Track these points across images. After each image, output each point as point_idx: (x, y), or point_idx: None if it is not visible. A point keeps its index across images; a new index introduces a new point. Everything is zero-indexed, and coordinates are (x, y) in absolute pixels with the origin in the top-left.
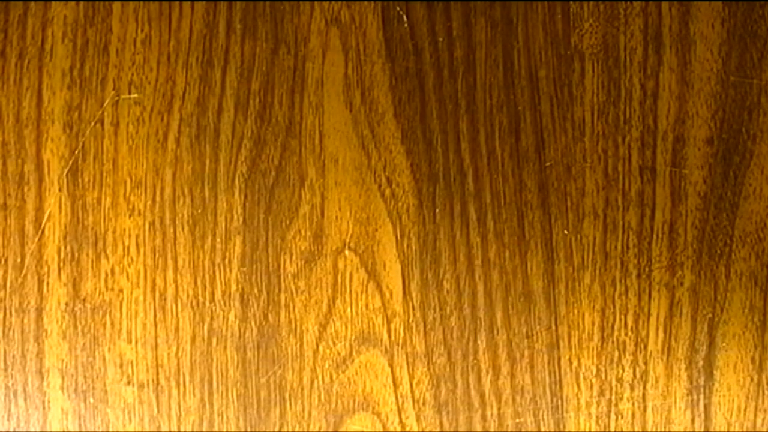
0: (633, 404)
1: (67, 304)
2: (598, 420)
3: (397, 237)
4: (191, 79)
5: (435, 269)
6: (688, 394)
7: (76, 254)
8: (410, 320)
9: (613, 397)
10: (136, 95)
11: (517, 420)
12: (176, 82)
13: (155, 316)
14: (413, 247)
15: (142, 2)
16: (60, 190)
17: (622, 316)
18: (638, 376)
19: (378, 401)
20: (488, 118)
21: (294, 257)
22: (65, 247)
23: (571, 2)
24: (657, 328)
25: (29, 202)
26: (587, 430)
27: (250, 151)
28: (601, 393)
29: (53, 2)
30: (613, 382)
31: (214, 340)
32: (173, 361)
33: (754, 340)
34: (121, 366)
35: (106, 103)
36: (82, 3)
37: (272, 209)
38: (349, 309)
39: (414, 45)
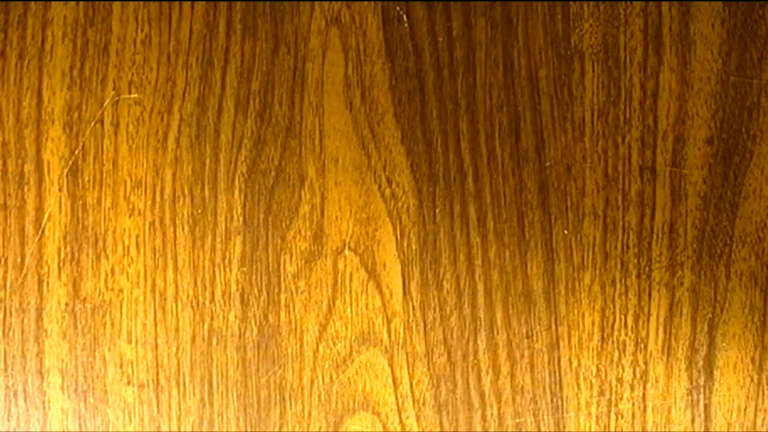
0: (633, 404)
1: (67, 304)
2: (598, 420)
3: (397, 237)
4: (191, 79)
5: (435, 269)
6: (688, 394)
7: (76, 254)
8: (410, 320)
9: (613, 397)
10: (136, 95)
11: (517, 420)
12: (176, 82)
13: (155, 316)
14: (413, 247)
15: (142, 2)
16: (60, 190)
17: (622, 316)
18: (638, 376)
19: (378, 401)
20: (488, 118)
21: (294, 257)
22: (65, 247)
23: (571, 2)
24: (657, 328)
25: (29, 202)
26: (587, 430)
27: (250, 151)
28: (601, 393)
29: (53, 2)
30: (613, 382)
31: (214, 340)
32: (173, 361)
33: (754, 340)
34: (121, 366)
35: (106, 103)
36: (82, 3)
37: (272, 209)
38: (349, 309)
39: (414, 45)
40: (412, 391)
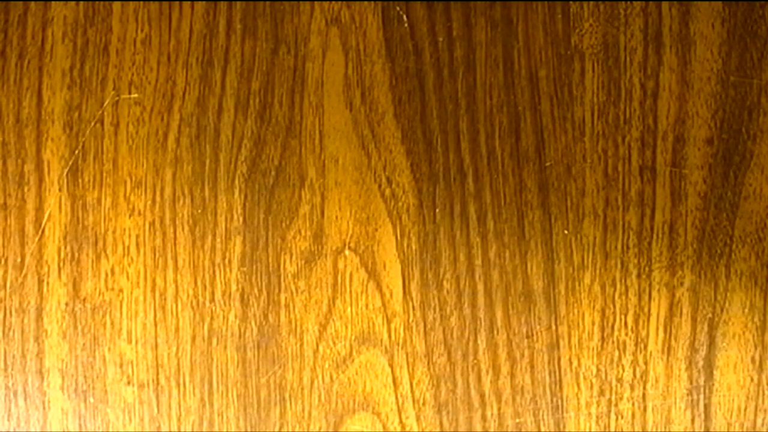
0: (633, 404)
1: (67, 304)
2: (598, 420)
3: (397, 237)
4: (191, 79)
5: (435, 269)
6: (688, 394)
7: (76, 254)
8: (410, 320)
9: (613, 397)
10: (136, 95)
11: (517, 420)
12: (176, 82)
13: (155, 316)
14: (413, 247)
15: (142, 2)
16: (60, 190)
17: (622, 316)
18: (638, 376)
19: (378, 401)
20: (488, 118)
21: (294, 257)
22: (65, 247)
23: (571, 2)
24: (657, 328)
25: (29, 202)
26: (587, 430)
27: (250, 151)
28: (601, 393)
29: (53, 2)
30: (613, 382)
31: (214, 340)
32: (173, 361)
33: (754, 340)
34: (121, 366)
35: (106, 103)
36: (82, 3)
37: (272, 209)
38: (349, 309)
39: (414, 45)
40: (412, 391)
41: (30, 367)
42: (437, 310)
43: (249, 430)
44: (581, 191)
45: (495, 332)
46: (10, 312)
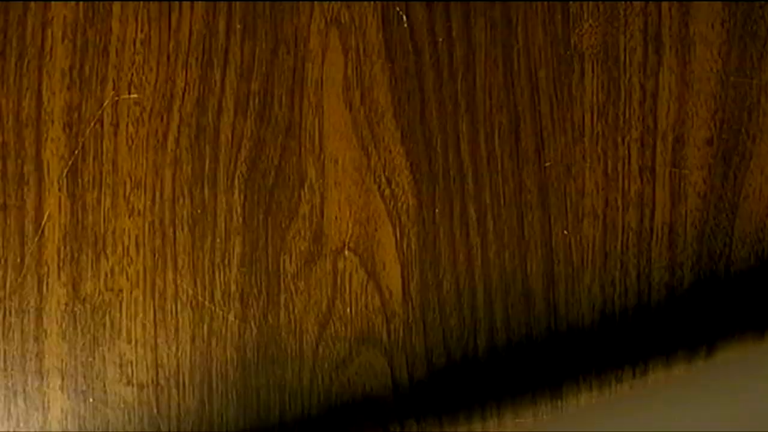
0: None
1: (67, 304)
2: None
3: (397, 237)
4: (191, 79)
5: (435, 269)
6: None
7: (76, 254)
8: (410, 320)
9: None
10: (136, 95)
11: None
12: (176, 82)
13: (155, 316)
14: (413, 247)
15: (142, 2)
16: (60, 190)
17: None
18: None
19: (378, 401)
20: (488, 118)
21: (294, 257)
22: (65, 247)
23: (571, 2)
24: None
25: (29, 202)
26: None
27: (250, 151)
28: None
29: (53, 2)
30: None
31: (214, 341)
32: (173, 361)
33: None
34: (121, 366)
35: (106, 103)
36: (82, 3)
37: (272, 209)
38: (349, 309)
39: (414, 45)
40: (412, 391)
41: (30, 367)
42: (437, 310)
43: (249, 430)
44: (581, 191)
45: (495, 332)
46: (10, 312)
